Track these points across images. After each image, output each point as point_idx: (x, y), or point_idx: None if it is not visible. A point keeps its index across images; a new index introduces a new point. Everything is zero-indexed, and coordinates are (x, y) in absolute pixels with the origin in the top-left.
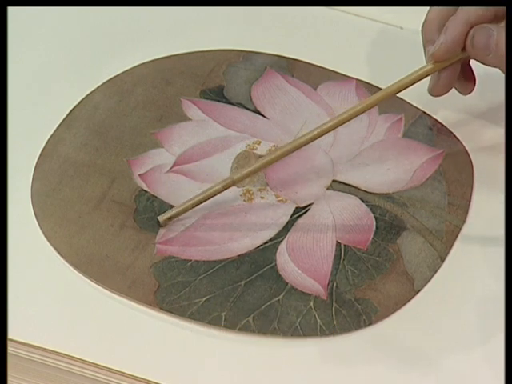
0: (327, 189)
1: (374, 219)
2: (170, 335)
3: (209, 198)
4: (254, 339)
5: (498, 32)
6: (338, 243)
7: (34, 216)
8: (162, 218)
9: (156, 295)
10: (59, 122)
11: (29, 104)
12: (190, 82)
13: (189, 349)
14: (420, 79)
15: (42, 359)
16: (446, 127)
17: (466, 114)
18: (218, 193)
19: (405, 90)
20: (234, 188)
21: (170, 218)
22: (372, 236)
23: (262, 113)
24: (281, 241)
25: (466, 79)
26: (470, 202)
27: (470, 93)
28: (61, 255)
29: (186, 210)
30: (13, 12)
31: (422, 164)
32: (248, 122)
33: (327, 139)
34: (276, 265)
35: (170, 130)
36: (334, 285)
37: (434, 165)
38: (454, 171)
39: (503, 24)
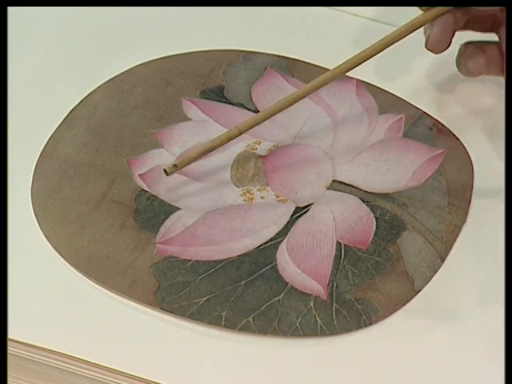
0: (327, 189)
1: (374, 219)
2: (170, 335)
3: (214, 149)
4: (254, 339)
5: None
6: (338, 243)
7: (34, 216)
8: (168, 166)
9: (156, 295)
10: (59, 122)
11: (29, 104)
12: (190, 82)
13: (189, 349)
14: (412, 30)
15: (42, 359)
16: (446, 127)
17: (467, 114)
18: (223, 143)
19: (405, 91)
20: (233, 188)
21: (175, 166)
22: (372, 236)
23: None
24: (281, 241)
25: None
26: (469, 202)
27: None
28: (61, 255)
29: (191, 160)
30: (13, 12)
31: (422, 164)
32: None
33: (327, 139)
34: (276, 265)
35: (169, 130)
36: (334, 285)
37: (434, 165)
38: (454, 171)
39: None
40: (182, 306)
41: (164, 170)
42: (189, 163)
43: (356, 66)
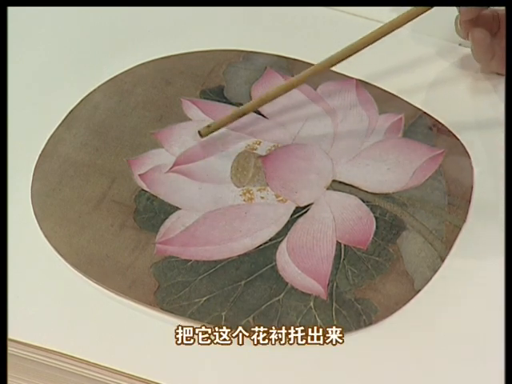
0: (327, 189)
1: (373, 219)
2: (169, 335)
3: (246, 113)
4: None
5: None
6: (338, 243)
7: (34, 216)
8: (202, 127)
9: (156, 295)
10: (59, 122)
11: (29, 104)
12: (190, 81)
13: (189, 349)
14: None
15: (42, 359)
16: (446, 127)
17: (467, 114)
18: (253, 109)
19: (405, 91)
20: (233, 188)
21: (209, 126)
22: (372, 236)
23: (262, 113)
24: (281, 241)
25: None
26: (469, 202)
27: None
28: (61, 255)
29: (225, 123)
30: (13, 12)
31: (422, 164)
32: (248, 121)
33: (327, 139)
34: (276, 265)
35: (169, 130)
36: (334, 285)
37: (434, 165)
38: (454, 171)
39: None
40: (182, 306)
41: (198, 131)
42: (223, 125)
43: (344, 60)
